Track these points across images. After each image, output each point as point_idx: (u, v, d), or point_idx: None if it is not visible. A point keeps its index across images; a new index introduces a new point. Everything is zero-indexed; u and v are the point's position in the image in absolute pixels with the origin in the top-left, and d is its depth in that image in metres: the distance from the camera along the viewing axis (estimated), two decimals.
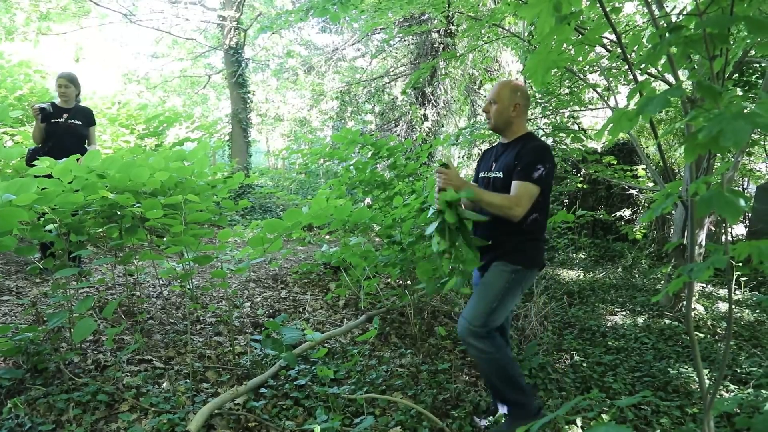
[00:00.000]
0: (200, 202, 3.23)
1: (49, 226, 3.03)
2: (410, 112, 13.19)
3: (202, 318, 4.04)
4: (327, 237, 8.11)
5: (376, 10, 7.56)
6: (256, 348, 3.48)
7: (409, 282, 4.20)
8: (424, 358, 3.58)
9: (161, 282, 4.84)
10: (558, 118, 7.53)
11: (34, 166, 3.02)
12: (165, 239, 3.82)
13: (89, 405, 2.59)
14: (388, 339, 3.96)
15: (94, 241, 4.11)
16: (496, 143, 2.77)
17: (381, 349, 3.75)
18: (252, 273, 5.66)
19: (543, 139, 8.14)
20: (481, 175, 2.74)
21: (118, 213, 3.31)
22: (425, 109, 12.58)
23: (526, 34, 7.08)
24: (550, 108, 7.47)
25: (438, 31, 11.98)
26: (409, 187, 4.57)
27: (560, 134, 7.51)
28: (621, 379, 3.41)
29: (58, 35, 14.12)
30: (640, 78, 3.41)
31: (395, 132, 13.82)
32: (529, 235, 2.52)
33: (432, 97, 12.57)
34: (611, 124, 1.86)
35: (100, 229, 3.38)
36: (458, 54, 9.68)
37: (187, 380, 2.93)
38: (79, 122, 4.79)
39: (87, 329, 2.55)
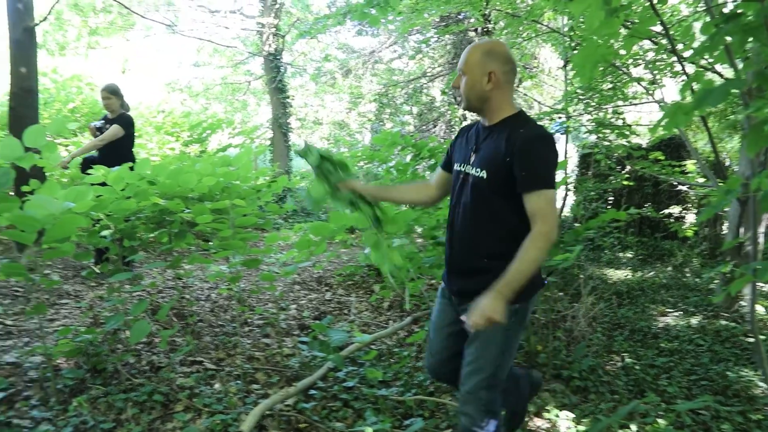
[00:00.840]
0: (246, 206, 3.29)
1: (105, 232, 3.13)
2: (449, 112, 13.14)
3: (249, 320, 4.11)
4: None
5: (413, 11, 7.56)
6: (303, 350, 3.51)
7: None
8: None
9: (208, 285, 4.95)
10: (602, 114, 7.37)
11: (87, 174, 3.13)
12: (211, 243, 3.90)
13: (146, 405, 2.66)
14: None
15: (144, 246, 4.24)
16: (476, 121, 2.10)
17: None
18: (296, 275, 5.73)
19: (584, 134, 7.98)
20: (456, 167, 2.08)
21: (168, 218, 3.39)
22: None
23: (566, 29, 6.96)
24: (593, 104, 7.31)
25: (475, 30, 11.90)
26: None
27: (603, 130, 7.34)
28: (676, 383, 3.30)
29: (106, 48, 14.66)
30: (689, 70, 3.31)
31: (434, 132, 13.80)
32: None
33: None
34: (666, 119, 1.81)
35: (152, 235, 3.47)
36: None
37: (238, 381, 2.98)
38: None
39: (143, 331, 2.62)
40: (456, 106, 12.56)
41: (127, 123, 4.97)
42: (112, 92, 4.98)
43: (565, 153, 7.53)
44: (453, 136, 2.34)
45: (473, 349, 1.95)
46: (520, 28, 7.70)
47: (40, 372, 3.09)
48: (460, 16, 11.87)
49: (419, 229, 5.63)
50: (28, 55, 6.08)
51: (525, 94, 13.58)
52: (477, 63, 1.91)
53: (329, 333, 3.14)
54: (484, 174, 1.89)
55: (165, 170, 3.13)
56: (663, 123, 1.72)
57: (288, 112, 13.24)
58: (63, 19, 12.94)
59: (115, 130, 4.86)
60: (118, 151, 4.85)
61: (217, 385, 2.92)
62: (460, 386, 1.97)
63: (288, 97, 13.30)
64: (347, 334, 3.24)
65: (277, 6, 12.71)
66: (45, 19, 6.33)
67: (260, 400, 2.75)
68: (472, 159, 1.97)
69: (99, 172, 3.08)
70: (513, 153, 1.80)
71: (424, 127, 14.68)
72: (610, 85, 7.05)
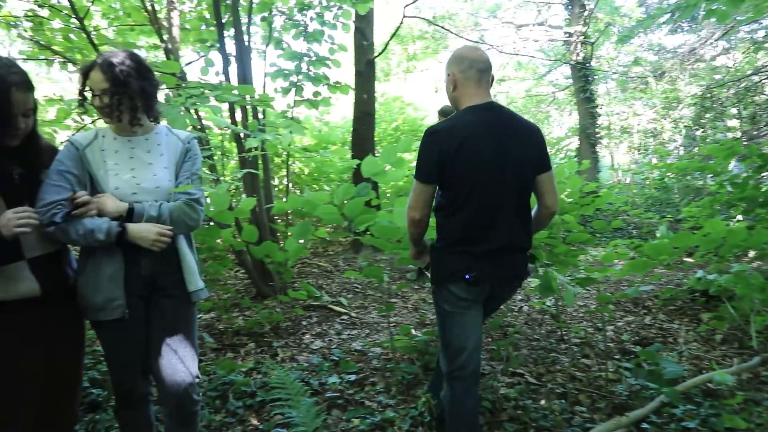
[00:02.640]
0: (573, 221, 3.23)
1: None
2: None
3: (566, 338, 4.02)
4: (690, 260, 7.24)
5: None
6: (628, 376, 3.28)
7: None
8: None
9: (519, 297, 5.01)
10: None
11: None
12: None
13: None
14: None
15: None
16: None
17: None
18: (608, 294, 5.41)
19: None
20: None
21: None
22: None
23: None
24: None
25: None
26: None
27: None
28: None
29: (422, 72, 16.26)
30: None
31: None
32: (439, 242, 2.13)
33: None
34: None
35: None
36: None
37: (562, 400, 2.92)
38: None
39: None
40: None
41: None
42: (443, 114, 5.46)
43: None
44: None
45: None
46: None
47: (381, 362, 3.52)
48: None
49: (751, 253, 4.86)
50: (369, 84, 7.10)
51: None
52: (445, 74, 2.14)
53: (662, 363, 2.88)
54: None
55: None
56: None
57: (596, 122, 12.62)
58: (389, 49, 14.78)
59: None
60: None
61: (542, 402, 2.91)
62: None
63: (596, 106, 12.69)
64: (681, 367, 2.93)
65: (586, 13, 12.29)
66: (382, 52, 7.28)
67: (587, 424, 2.66)
68: None
69: None
70: None
71: (754, 132, 12.48)
72: None
